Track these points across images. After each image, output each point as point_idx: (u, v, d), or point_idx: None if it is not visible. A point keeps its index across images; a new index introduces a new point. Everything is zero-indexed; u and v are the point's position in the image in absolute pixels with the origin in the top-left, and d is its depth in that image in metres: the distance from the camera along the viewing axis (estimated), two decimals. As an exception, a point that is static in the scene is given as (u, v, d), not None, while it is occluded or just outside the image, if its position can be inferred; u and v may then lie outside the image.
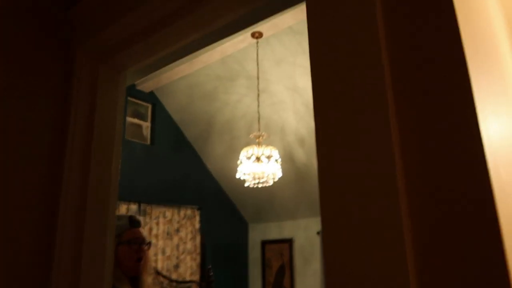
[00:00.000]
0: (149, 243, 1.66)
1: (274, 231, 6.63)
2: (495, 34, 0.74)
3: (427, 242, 0.54)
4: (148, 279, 1.64)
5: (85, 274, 1.01)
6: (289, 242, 6.30)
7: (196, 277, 5.82)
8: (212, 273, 2.61)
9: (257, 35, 4.57)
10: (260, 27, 4.37)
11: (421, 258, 0.54)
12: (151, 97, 6.08)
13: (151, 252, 5.39)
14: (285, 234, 6.42)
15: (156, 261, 5.43)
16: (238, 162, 4.07)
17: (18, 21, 1.11)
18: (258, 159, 3.93)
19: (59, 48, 1.18)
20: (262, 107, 5.35)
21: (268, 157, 3.95)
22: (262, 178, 3.96)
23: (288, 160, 5.66)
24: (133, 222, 1.64)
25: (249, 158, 3.93)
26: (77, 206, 1.11)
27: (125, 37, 1.09)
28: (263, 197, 6.35)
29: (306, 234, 6.01)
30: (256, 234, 6.88)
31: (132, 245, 1.56)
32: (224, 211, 6.70)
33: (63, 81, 1.17)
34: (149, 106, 6.12)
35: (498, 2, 0.78)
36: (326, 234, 0.60)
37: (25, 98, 1.11)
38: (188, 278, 5.73)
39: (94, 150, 1.14)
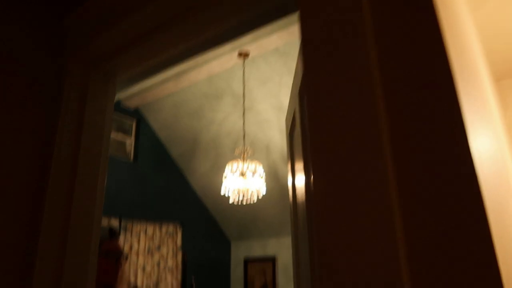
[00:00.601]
0: (126, 256, 1.66)
1: (257, 248, 6.60)
2: (475, 60, 0.81)
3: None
4: None
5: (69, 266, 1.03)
6: (272, 260, 6.28)
7: (177, 296, 5.72)
8: (194, 282, 2.59)
9: (244, 55, 4.68)
10: (247, 47, 4.48)
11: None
12: (136, 114, 6.10)
13: (131, 268, 5.30)
14: (269, 252, 6.40)
15: (136, 277, 5.33)
16: (223, 176, 4.09)
17: (11, 26, 1.15)
18: (243, 174, 3.96)
19: (51, 54, 1.22)
20: (248, 125, 5.43)
21: (253, 172, 3.99)
22: (247, 194, 3.98)
23: (272, 178, 5.70)
24: (113, 234, 1.64)
25: (234, 172, 3.96)
26: (62, 217, 1.12)
27: (118, 44, 1.14)
28: (247, 214, 6.35)
29: (289, 252, 6.00)
30: (239, 252, 6.84)
31: (110, 257, 1.56)
32: (206, 228, 6.66)
33: (54, 86, 1.21)
34: (134, 123, 6.12)
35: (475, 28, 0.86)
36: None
37: (14, 103, 1.14)
38: (169, 297, 5.63)
39: (82, 155, 1.16)
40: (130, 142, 6.04)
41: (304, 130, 1.14)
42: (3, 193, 1.05)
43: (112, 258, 1.57)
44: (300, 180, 1.22)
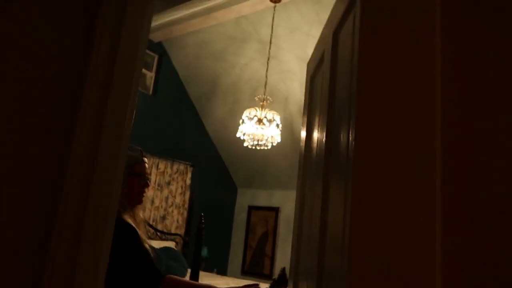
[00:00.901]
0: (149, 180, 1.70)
1: (262, 198, 6.73)
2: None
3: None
4: (140, 213, 1.68)
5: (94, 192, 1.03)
6: (276, 210, 6.41)
7: (181, 231, 5.93)
8: (203, 220, 2.66)
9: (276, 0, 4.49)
10: (280, -10, 4.28)
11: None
12: (159, 48, 6.00)
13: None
14: (273, 203, 6.52)
15: (144, 209, 5.50)
16: (240, 121, 4.07)
17: None
18: (260, 121, 3.93)
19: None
20: (270, 73, 5.32)
21: (270, 121, 3.96)
22: (262, 140, 3.98)
23: (287, 130, 5.68)
24: (142, 155, 1.67)
25: (251, 119, 3.94)
26: (94, 125, 1.11)
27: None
28: (256, 164, 6.41)
29: (293, 205, 6.10)
30: (244, 199, 6.99)
31: (142, 179, 1.60)
32: (216, 172, 6.76)
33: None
34: (156, 57, 6.04)
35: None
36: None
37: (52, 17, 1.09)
38: (173, 231, 5.84)
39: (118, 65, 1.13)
40: (151, 75, 5.99)
41: (344, 69, 1.06)
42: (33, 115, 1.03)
43: (143, 179, 1.60)
44: (321, 132, 1.14)
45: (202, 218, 2.69)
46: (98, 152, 1.10)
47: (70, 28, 1.12)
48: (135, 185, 1.57)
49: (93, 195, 1.07)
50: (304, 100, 1.54)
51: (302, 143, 1.49)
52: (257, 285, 1.55)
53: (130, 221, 1.54)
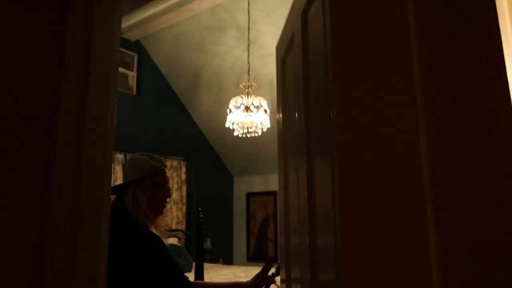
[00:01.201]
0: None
1: (259, 184, 6.76)
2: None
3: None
4: (163, 223, 1.68)
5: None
6: (273, 194, 6.46)
7: (182, 226, 5.96)
8: (202, 215, 2.68)
9: (248, -16, 4.44)
10: (252, -26, 4.23)
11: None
12: (137, 46, 5.93)
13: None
14: (270, 187, 6.56)
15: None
16: (227, 111, 4.06)
17: None
18: (247, 108, 3.93)
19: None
20: (251, 59, 5.29)
21: (257, 107, 3.96)
22: (251, 127, 3.98)
23: (275, 114, 5.67)
24: (163, 165, 1.67)
25: (238, 107, 3.93)
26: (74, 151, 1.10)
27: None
28: (249, 151, 6.42)
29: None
30: (241, 187, 7.02)
31: (164, 189, 1.60)
32: (210, 164, 6.76)
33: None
34: (135, 55, 5.97)
35: None
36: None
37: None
38: (174, 227, 5.86)
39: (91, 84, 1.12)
40: (132, 75, 5.93)
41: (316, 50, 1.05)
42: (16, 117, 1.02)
43: (166, 190, 1.60)
44: (299, 112, 1.13)
45: (200, 213, 2.71)
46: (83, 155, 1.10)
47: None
48: (158, 195, 1.56)
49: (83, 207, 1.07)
50: (277, 83, 1.54)
51: (280, 126, 1.49)
52: (273, 257, 1.56)
53: (154, 231, 1.54)
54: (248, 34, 4.76)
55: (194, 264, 3.77)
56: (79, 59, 1.13)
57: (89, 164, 1.10)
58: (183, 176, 6.13)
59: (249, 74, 4.58)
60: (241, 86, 4.29)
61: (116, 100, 1.26)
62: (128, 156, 5.43)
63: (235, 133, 4.14)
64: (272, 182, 6.57)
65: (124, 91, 5.70)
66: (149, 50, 6.05)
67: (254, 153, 6.47)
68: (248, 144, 6.15)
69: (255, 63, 5.35)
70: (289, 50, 1.35)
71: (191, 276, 3.76)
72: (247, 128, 3.97)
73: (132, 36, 5.65)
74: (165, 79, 6.25)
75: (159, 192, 1.57)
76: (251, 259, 6.55)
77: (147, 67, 6.03)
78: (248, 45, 4.70)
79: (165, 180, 1.62)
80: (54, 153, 1.05)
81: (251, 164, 6.74)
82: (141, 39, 5.86)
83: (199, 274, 2.99)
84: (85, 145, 1.11)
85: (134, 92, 5.88)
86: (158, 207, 1.59)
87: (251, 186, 6.86)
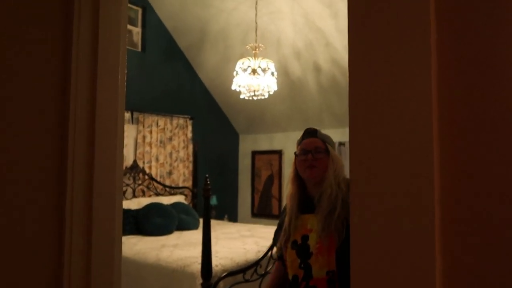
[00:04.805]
0: (322, 150, 1.62)
1: (264, 142, 6.81)
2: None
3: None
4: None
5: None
6: (279, 153, 6.52)
7: (189, 184, 6.09)
8: (209, 182, 2.73)
9: None
10: None
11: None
12: (141, 1, 5.75)
13: (145, 158, 5.53)
14: (275, 146, 6.62)
15: (150, 167, 5.62)
16: (234, 73, 4.01)
17: None
18: (254, 71, 3.87)
19: None
20: (259, 16, 5.13)
21: (264, 70, 3.90)
22: (258, 90, 3.95)
23: (282, 73, 5.60)
24: (304, 134, 1.71)
25: (245, 70, 3.88)
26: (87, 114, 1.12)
27: None
28: (255, 109, 6.40)
29: (294, 146, 6.18)
30: (247, 145, 7.08)
31: (301, 155, 1.64)
32: (215, 121, 6.78)
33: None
34: (139, 10, 5.81)
35: None
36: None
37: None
38: (181, 185, 6.00)
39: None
40: (137, 31, 5.80)
41: None
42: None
43: (303, 156, 1.67)
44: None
45: (207, 179, 2.76)
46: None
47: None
48: (299, 163, 1.69)
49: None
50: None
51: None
52: None
53: None
54: (256, -11, 4.58)
55: (201, 220, 3.90)
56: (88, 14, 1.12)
57: (101, 120, 1.14)
58: (189, 134, 6.18)
59: (256, 32, 4.46)
60: (248, 47, 4.20)
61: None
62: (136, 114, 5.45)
63: (242, 96, 4.11)
64: (277, 141, 6.61)
65: (129, 47, 5.61)
66: (153, 4, 5.87)
67: (260, 112, 6.46)
68: (254, 103, 6.13)
69: (263, 20, 5.19)
70: None
71: (198, 234, 3.89)
72: (254, 91, 3.94)
73: (136, -11, 5.47)
74: (170, 35, 6.12)
75: (298, 160, 1.69)
76: (255, 215, 6.75)
77: (152, 22, 5.88)
78: (256, 2, 4.54)
79: (302, 146, 1.70)
80: (68, 111, 1.08)
81: (256, 123, 6.75)
82: (145, -8, 5.67)
83: (206, 234, 3.08)
84: (98, 101, 1.14)
85: (140, 49, 5.78)
86: (304, 174, 1.69)
87: (256, 145, 6.92)
